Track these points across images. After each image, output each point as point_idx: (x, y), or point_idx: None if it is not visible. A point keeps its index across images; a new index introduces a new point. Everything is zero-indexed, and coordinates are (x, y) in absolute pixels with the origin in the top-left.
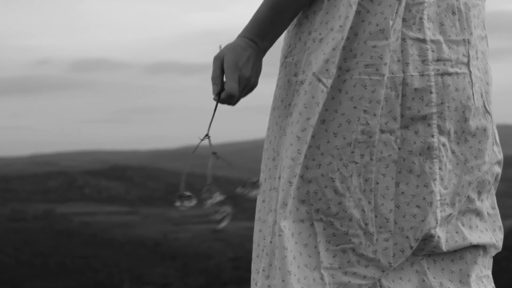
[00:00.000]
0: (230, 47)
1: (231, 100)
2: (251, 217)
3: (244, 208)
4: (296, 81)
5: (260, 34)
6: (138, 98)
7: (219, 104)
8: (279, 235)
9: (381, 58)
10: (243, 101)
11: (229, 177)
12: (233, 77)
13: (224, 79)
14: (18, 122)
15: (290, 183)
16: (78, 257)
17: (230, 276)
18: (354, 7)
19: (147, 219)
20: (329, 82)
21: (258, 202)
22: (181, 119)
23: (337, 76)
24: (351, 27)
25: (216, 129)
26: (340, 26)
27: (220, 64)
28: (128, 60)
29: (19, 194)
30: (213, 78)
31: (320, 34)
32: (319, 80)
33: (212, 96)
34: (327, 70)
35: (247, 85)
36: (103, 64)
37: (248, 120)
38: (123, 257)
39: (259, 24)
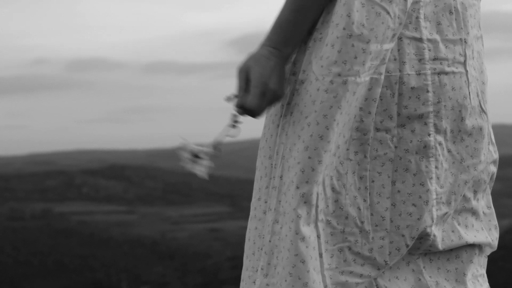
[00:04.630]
0: (255, 59)
1: (253, 114)
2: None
3: (242, 208)
4: (296, 80)
5: (283, 40)
6: (135, 98)
7: (241, 116)
8: (285, 235)
9: (384, 58)
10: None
11: (228, 176)
12: (257, 92)
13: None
14: (16, 122)
15: (292, 182)
16: (76, 256)
17: (228, 275)
18: (354, 4)
19: (145, 219)
20: (326, 80)
21: (254, 200)
22: (179, 118)
23: (354, 79)
24: (371, 29)
25: (212, 128)
26: (337, 25)
27: (245, 77)
28: (125, 59)
29: (18, 193)
30: (238, 91)
31: (320, 34)
32: (317, 79)
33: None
34: (322, 66)
35: (274, 98)
36: (100, 63)
37: (246, 119)
38: (121, 256)
39: (282, 30)
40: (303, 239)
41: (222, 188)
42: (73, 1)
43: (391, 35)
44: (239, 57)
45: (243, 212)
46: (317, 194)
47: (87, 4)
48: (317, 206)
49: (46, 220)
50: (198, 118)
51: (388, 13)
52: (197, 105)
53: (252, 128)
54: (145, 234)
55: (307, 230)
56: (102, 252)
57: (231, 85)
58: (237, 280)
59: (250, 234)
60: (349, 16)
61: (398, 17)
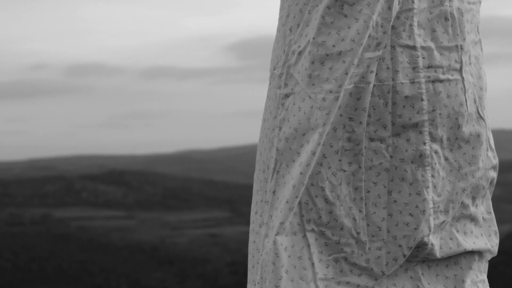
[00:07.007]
0: None
1: None
2: (249, 222)
3: (241, 213)
4: (280, 94)
5: None
6: (135, 103)
7: None
8: (270, 249)
9: (368, 66)
10: (241, 106)
11: (227, 182)
12: None
13: None
14: (15, 127)
15: (284, 196)
16: (75, 262)
17: (227, 281)
18: (328, 19)
19: (145, 224)
20: (318, 97)
21: (252, 213)
22: (178, 123)
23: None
24: (354, 40)
25: (214, 134)
26: (314, 38)
27: None
28: (124, 64)
29: (17, 198)
30: None
31: (299, 46)
32: (309, 97)
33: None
34: (313, 85)
35: None
36: (99, 68)
37: (246, 124)
38: (120, 262)
39: None
40: (285, 249)
41: (221, 194)
42: (72, 7)
43: (374, 44)
44: (239, 62)
45: (243, 218)
46: (300, 203)
47: (86, 10)
48: (302, 215)
49: (45, 225)
50: (198, 123)
51: (369, 22)
52: (196, 110)
53: (251, 133)
54: (145, 239)
55: (291, 240)
56: (102, 257)
57: (231, 90)
58: (236, 285)
59: (250, 248)
60: (338, 34)
61: (381, 26)
